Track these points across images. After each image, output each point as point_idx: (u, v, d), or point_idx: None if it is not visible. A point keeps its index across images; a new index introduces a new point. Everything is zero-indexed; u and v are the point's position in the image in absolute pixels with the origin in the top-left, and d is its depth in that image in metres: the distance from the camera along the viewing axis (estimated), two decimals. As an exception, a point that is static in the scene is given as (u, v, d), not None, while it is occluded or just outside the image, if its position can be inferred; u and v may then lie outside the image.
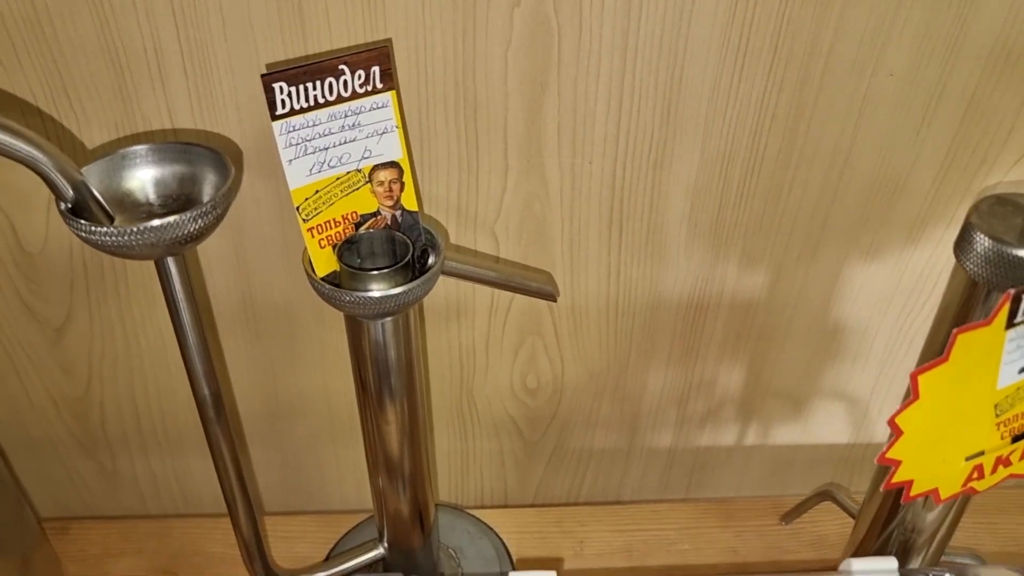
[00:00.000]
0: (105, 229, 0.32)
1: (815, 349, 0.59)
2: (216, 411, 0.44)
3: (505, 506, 0.67)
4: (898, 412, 0.36)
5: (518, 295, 0.55)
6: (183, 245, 0.34)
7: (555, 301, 0.50)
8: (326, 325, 0.56)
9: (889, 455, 0.37)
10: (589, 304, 0.56)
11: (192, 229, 0.33)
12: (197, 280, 0.53)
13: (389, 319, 0.41)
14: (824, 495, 0.56)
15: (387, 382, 0.43)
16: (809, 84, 0.47)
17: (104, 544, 0.59)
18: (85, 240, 0.32)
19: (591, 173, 0.50)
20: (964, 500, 0.47)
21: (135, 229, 0.32)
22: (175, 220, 0.32)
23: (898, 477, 0.38)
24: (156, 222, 0.32)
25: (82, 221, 0.32)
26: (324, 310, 0.55)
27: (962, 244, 0.38)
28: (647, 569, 0.59)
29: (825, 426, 0.64)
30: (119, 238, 0.32)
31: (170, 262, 0.36)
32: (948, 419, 0.37)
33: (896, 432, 0.36)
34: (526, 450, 0.64)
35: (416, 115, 0.47)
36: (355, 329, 0.42)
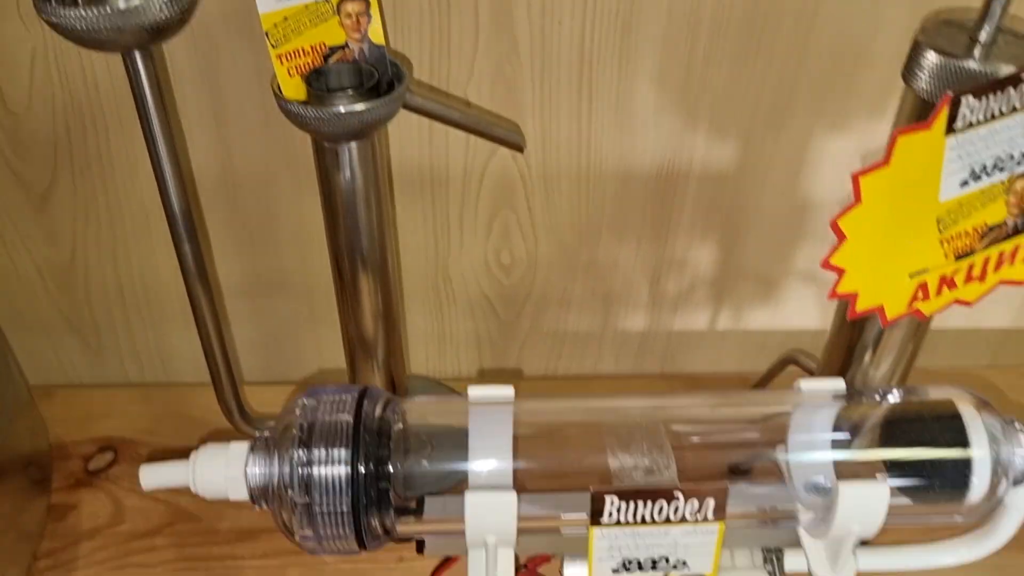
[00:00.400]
0: (73, 12, 0.33)
1: (785, 228, 0.60)
2: (196, 258, 0.46)
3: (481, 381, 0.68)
4: (840, 215, 0.37)
5: (492, 164, 0.56)
6: (150, 36, 0.35)
7: (522, 151, 0.52)
8: (304, 195, 0.57)
9: (832, 260, 0.38)
10: (561, 174, 0.57)
11: (160, 18, 0.34)
12: (180, 141, 0.54)
13: (355, 143, 0.42)
14: (788, 360, 0.57)
15: (355, 212, 0.44)
16: (773, -63, 0.48)
17: (87, 408, 0.61)
18: (54, 26, 0.34)
19: (560, 36, 0.51)
20: (916, 344, 0.48)
21: (102, 11, 0.33)
22: (142, 3, 0.34)
23: (843, 287, 0.39)
24: (123, 4, 0.33)
25: (52, 3, 0.33)
26: (302, 179, 0.57)
27: (911, 65, 0.39)
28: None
29: (797, 309, 0.65)
30: (85, 21, 0.33)
31: (138, 58, 0.37)
32: (890, 228, 0.38)
33: (839, 235, 0.37)
34: (501, 330, 0.66)
35: (387, -31, 0.48)
36: (323, 158, 0.43)
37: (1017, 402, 0.62)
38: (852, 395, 0.42)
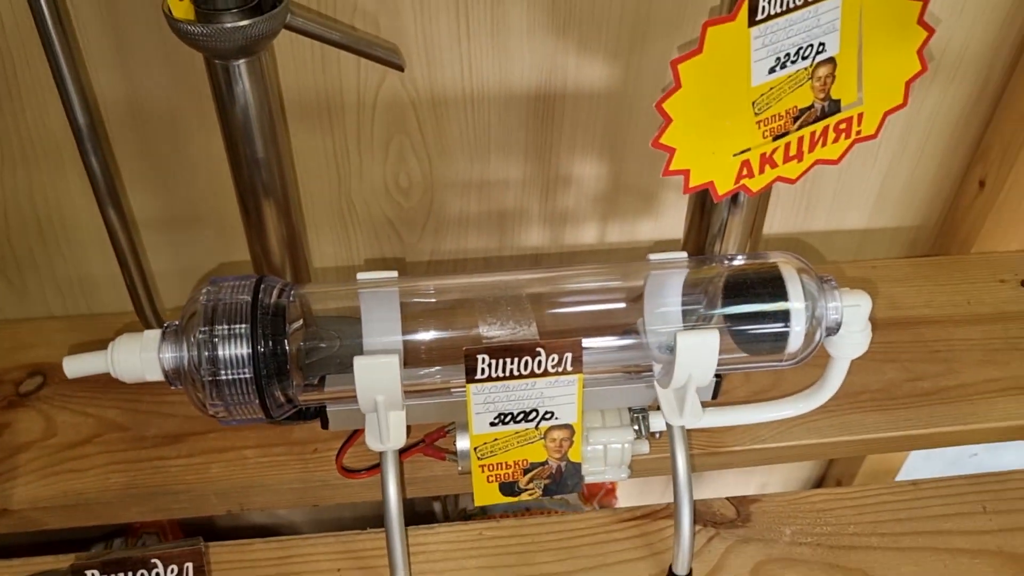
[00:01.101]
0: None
1: (657, 142, 0.67)
2: (108, 187, 0.50)
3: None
4: (663, 98, 0.43)
5: (383, 90, 0.61)
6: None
7: (402, 70, 0.56)
8: (210, 128, 0.61)
9: (662, 140, 0.44)
10: (447, 98, 0.62)
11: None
12: (84, 73, 0.58)
13: (244, 60, 0.46)
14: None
15: (250, 128, 0.49)
16: None
17: (14, 339, 0.65)
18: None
19: (436, -39, 0.56)
20: (757, 231, 0.55)
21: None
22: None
23: (675, 165, 0.45)
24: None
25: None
26: (206, 112, 0.61)
27: (726, -29, 0.45)
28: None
29: (676, 218, 0.71)
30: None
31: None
32: (711, 110, 0.44)
33: (665, 117, 0.43)
34: (406, 252, 0.71)
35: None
36: (216, 77, 0.47)
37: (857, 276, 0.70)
38: (696, 263, 0.48)
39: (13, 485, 0.55)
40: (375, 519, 0.83)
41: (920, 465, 0.92)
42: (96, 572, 0.40)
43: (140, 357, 0.43)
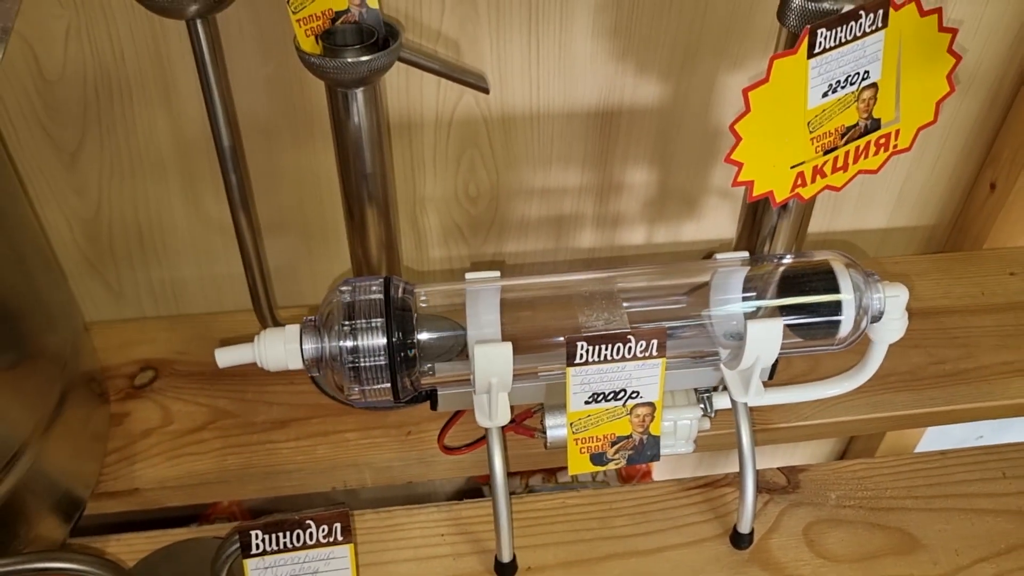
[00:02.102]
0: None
1: (702, 152, 0.74)
2: (241, 192, 0.57)
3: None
4: (736, 121, 0.50)
5: (459, 109, 0.68)
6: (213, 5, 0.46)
7: (487, 92, 0.63)
8: (301, 146, 0.68)
9: (733, 156, 0.51)
10: (516, 115, 0.69)
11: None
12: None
13: (362, 89, 0.53)
14: (710, 255, 0.70)
15: (362, 150, 0.55)
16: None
17: (122, 338, 0.71)
18: None
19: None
20: (801, 236, 0.62)
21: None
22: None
23: (743, 177, 0.52)
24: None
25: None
26: (299, 131, 0.67)
27: (783, 9, 0.52)
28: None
29: (715, 222, 0.79)
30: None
31: (199, 25, 0.48)
32: (774, 130, 0.51)
33: (736, 137, 0.50)
34: (471, 254, 0.78)
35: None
36: (336, 103, 0.54)
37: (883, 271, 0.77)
38: (755, 261, 0.55)
39: (140, 468, 0.62)
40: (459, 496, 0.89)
41: (932, 446, 1.00)
42: (260, 532, 0.47)
43: (285, 348, 0.50)
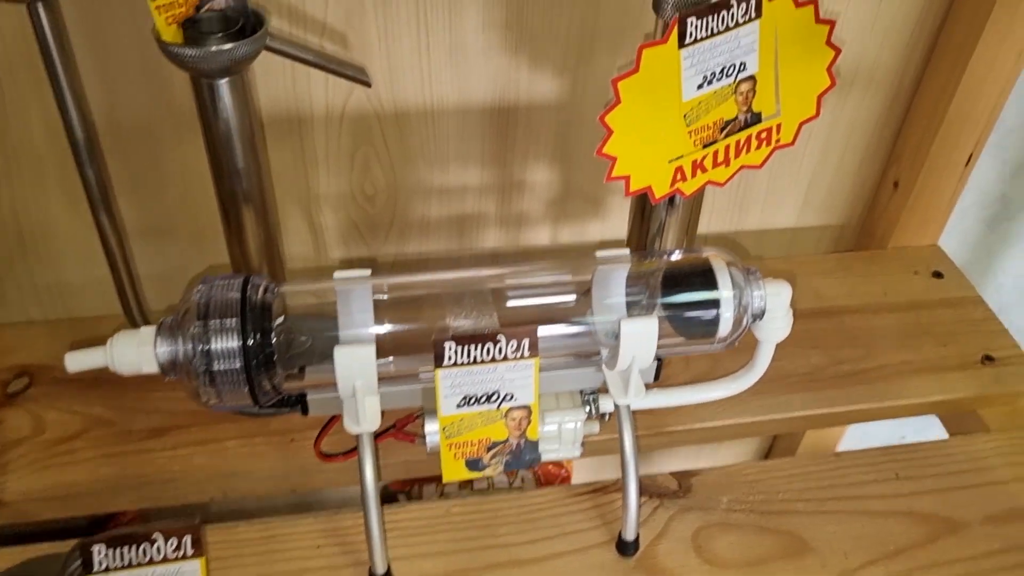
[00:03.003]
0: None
1: (603, 151, 0.72)
2: (101, 191, 0.54)
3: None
4: (605, 112, 0.48)
5: (349, 105, 0.66)
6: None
7: (369, 86, 0.61)
8: (184, 143, 0.65)
9: (605, 150, 0.49)
10: (409, 111, 0.67)
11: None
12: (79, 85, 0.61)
13: (227, 79, 0.51)
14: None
15: (232, 142, 0.53)
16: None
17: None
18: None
19: (397, -10, 0.61)
20: (691, 232, 0.61)
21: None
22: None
23: (617, 171, 0.50)
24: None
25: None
26: (182, 129, 0.65)
27: (656, 0, 0.51)
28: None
29: (622, 221, 0.77)
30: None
31: (40, 9, 0.46)
32: (647, 122, 0.49)
33: (607, 129, 0.49)
34: (371, 255, 0.76)
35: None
36: (201, 94, 0.52)
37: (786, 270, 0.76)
38: (637, 259, 0.54)
39: (6, 479, 0.59)
40: (351, 504, 0.87)
41: (855, 444, 1.00)
42: (103, 547, 0.44)
43: (137, 351, 0.47)
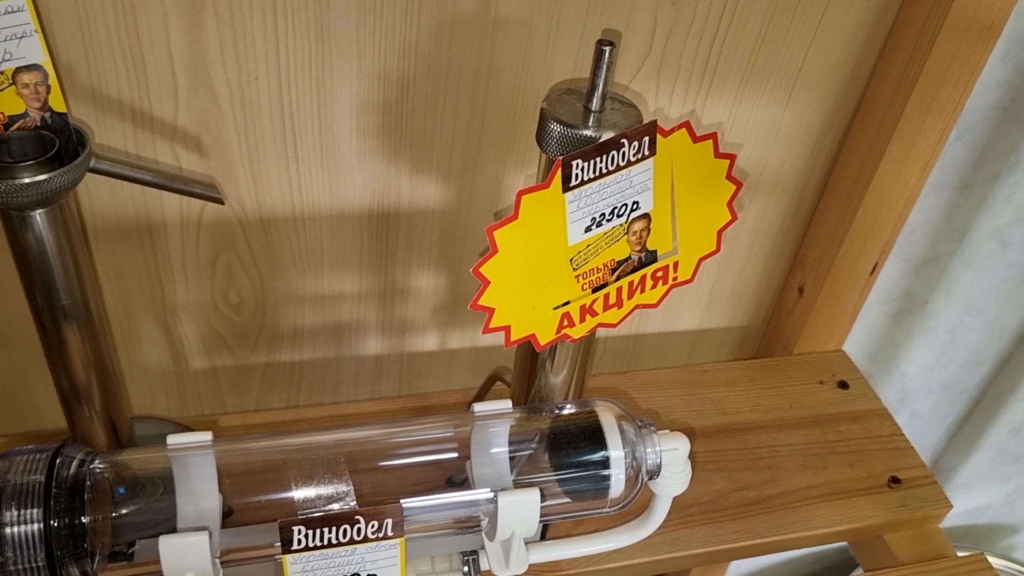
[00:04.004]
0: None
1: (494, 255, 0.67)
2: None
3: (225, 413, 0.70)
4: (480, 264, 0.43)
5: (207, 211, 0.59)
6: None
7: (222, 203, 0.54)
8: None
9: (481, 302, 0.44)
10: (276, 218, 0.60)
11: None
12: None
13: (42, 210, 0.43)
14: (494, 377, 0.63)
15: (50, 272, 0.46)
16: (444, 4, 0.53)
17: None
18: None
19: (259, 91, 0.54)
20: (583, 361, 0.56)
21: None
22: None
23: (495, 323, 0.45)
24: None
25: None
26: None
27: (541, 134, 0.46)
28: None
29: (513, 326, 0.72)
30: None
31: None
32: (529, 271, 0.44)
33: (483, 281, 0.43)
34: (239, 366, 0.68)
35: (77, 31, 0.49)
36: (11, 224, 0.44)
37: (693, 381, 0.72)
38: (521, 412, 0.48)
39: None
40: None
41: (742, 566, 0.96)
42: None
43: (-86, 545, 0.39)
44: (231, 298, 0.64)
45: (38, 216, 0.44)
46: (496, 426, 0.47)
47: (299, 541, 0.41)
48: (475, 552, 0.51)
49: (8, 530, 0.39)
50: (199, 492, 0.43)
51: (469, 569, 0.50)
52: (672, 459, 0.48)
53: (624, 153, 0.44)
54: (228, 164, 0.57)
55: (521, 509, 0.44)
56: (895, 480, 0.66)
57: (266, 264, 0.63)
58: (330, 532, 0.41)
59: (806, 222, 0.72)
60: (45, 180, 0.42)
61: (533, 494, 0.44)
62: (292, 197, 0.60)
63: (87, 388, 0.52)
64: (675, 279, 0.50)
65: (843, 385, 0.73)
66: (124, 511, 0.43)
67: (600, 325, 0.49)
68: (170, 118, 0.54)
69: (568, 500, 0.47)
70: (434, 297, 0.68)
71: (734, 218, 0.50)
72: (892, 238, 0.69)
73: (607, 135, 0.43)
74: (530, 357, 0.55)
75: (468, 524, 0.47)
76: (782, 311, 0.76)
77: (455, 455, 0.47)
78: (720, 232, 0.50)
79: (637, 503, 0.54)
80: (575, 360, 0.54)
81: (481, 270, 0.43)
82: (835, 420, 0.70)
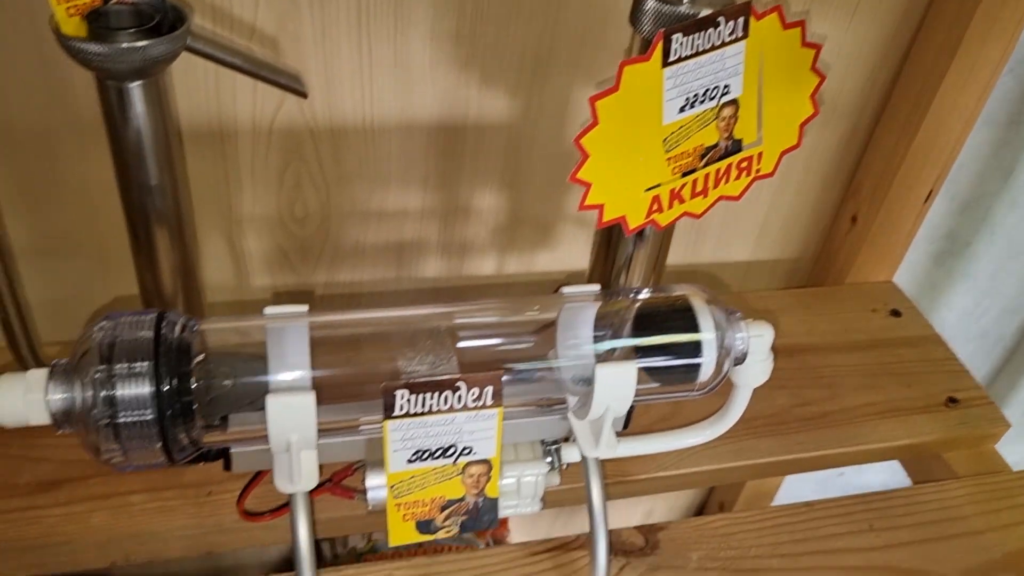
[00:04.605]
0: None
1: (556, 174, 0.67)
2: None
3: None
4: (582, 134, 0.43)
5: (280, 116, 0.59)
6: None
7: (305, 97, 0.55)
8: (88, 151, 0.57)
9: (580, 175, 0.44)
10: (347, 128, 0.61)
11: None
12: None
13: (140, 82, 0.44)
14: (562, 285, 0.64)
15: (143, 153, 0.46)
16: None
17: None
18: None
19: (338, -10, 0.55)
20: (660, 263, 0.56)
21: None
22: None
23: (591, 200, 0.45)
24: None
25: None
26: (86, 134, 0.57)
27: (635, 12, 0.46)
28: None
29: (571, 251, 0.72)
30: None
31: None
32: (625, 146, 0.45)
33: (583, 153, 0.44)
34: (299, 284, 0.68)
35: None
36: (108, 98, 0.44)
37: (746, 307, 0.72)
38: (608, 295, 0.49)
39: None
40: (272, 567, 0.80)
41: (794, 487, 0.97)
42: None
43: (24, 399, 0.40)
44: (297, 212, 0.64)
45: (135, 89, 0.44)
46: (584, 307, 0.48)
47: (401, 407, 0.42)
48: (557, 442, 0.51)
49: (119, 386, 0.39)
50: (294, 361, 0.43)
51: (553, 459, 0.50)
52: (757, 346, 0.48)
53: (720, 32, 0.44)
54: (303, 69, 0.57)
55: (617, 383, 0.44)
56: (952, 400, 0.66)
57: (334, 176, 0.63)
58: (431, 398, 0.42)
59: (861, 149, 0.73)
60: (146, 46, 0.42)
61: (629, 368, 0.44)
62: (363, 107, 0.60)
63: (172, 294, 0.52)
64: (758, 171, 0.50)
65: (895, 313, 0.73)
66: (222, 378, 0.43)
67: (685, 214, 0.49)
68: (249, 18, 0.54)
69: (654, 383, 0.48)
70: (495, 218, 0.69)
71: (816, 112, 0.50)
72: (948, 164, 0.70)
73: (705, 12, 0.44)
74: (607, 259, 0.56)
75: (557, 403, 0.48)
76: (834, 241, 0.77)
77: (542, 336, 0.48)
78: (802, 126, 0.50)
79: (711, 405, 0.54)
80: (652, 260, 0.55)
81: (582, 141, 0.43)
82: (890, 344, 0.70)
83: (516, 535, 0.93)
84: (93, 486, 0.53)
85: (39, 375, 0.40)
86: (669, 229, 0.56)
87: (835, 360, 0.68)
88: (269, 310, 0.44)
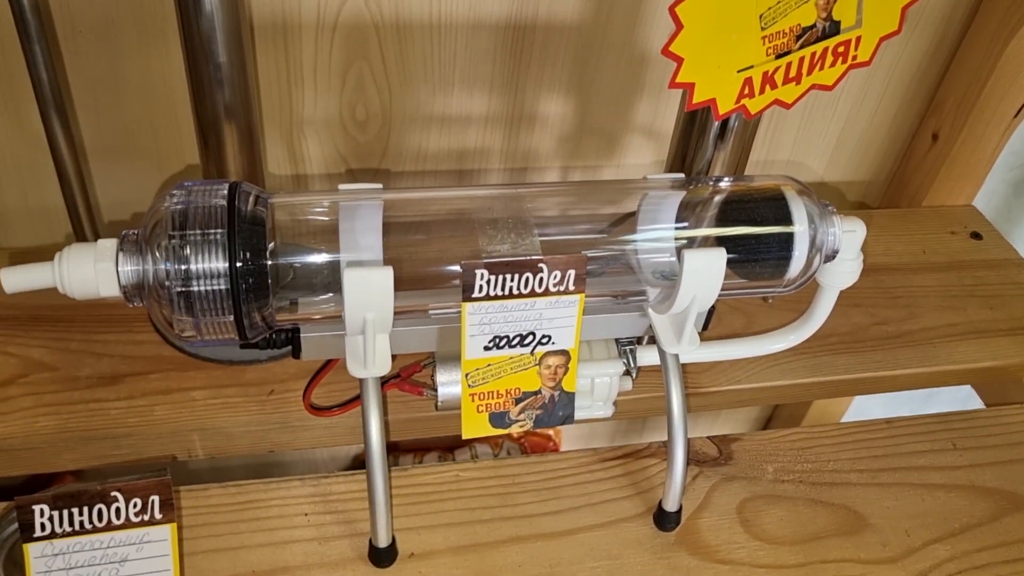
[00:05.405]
0: None
1: (624, 83, 0.65)
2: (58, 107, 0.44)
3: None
4: (677, 2, 0.40)
5: (344, 11, 0.57)
6: None
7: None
8: (149, 49, 0.56)
9: (672, 48, 0.42)
10: (412, 24, 0.58)
11: None
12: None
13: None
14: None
15: (214, 45, 0.44)
16: None
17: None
18: None
19: None
20: (740, 159, 0.53)
21: None
22: None
23: (682, 77, 0.43)
24: None
25: None
26: (147, 28, 0.55)
27: None
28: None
29: (637, 162, 0.70)
30: None
31: None
32: (720, 20, 0.42)
33: (677, 23, 0.41)
34: (358, 192, 0.67)
35: None
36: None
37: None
38: (692, 184, 0.46)
39: (-77, 431, 0.49)
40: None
41: (859, 415, 0.94)
42: (46, 507, 0.35)
43: (95, 268, 0.38)
44: (358, 114, 0.62)
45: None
46: (669, 195, 0.45)
47: (480, 288, 0.40)
48: (632, 343, 0.49)
49: (193, 255, 0.38)
50: (366, 241, 0.42)
51: (627, 359, 0.49)
52: (849, 243, 0.46)
53: None
54: (370, -42, 0.55)
55: (706, 270, 0.42)
56: (1037, 324, 0.63)
57: (397, 77, 0.61)
58: (512, 279, 0.40)
59: (946, 63, 0.69)
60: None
61: (719, 255, 0.42)
62: (430, 2, 0.58)
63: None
64: (854, 57, 0.47)
65: (976, 236, 0.70)
66: (296, 254, 0.42)
67: (776, 102, 0.46)
68: (317, -100, 0.52)
69: (739, 278, 0.45)
70: (561, 126, 0.66)
71: (919, -4, 0.47)
72: (1041, 75, 0.66)
73: None
74: (685, 160, 0.53)
75: (630, 295, 0.46)
76: (911, 162, 0.73)
77: (622, 224, 0.46)
78: (904, 10, 0.47)
79: (779, 318, 0.52)
80: (732, 166, 0.52)
81: (676, 9, 0.40)
82: (971, 267, 0.67)
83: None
84: (154, 381, 0.52)
85: (110, 244, 0.39)
86: (752, 129, 0.53)
87: (913, 281, 0.65)
88: (344, 186, 0.43)
